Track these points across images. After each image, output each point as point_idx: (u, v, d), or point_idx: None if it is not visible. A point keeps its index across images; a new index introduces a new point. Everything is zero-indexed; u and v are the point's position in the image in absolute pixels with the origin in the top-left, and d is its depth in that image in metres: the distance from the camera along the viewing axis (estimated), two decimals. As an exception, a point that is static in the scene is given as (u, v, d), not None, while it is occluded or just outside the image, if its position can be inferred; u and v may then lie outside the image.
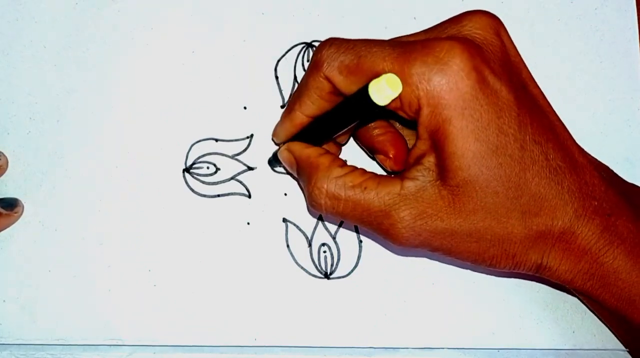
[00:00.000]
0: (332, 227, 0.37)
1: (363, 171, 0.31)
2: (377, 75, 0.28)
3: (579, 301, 0.36)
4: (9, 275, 0.37)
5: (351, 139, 0.37)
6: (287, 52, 0.39)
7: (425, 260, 0.37)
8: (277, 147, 0.36)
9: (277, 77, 0.39)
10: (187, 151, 0.38)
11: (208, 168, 0.38)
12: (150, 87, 0.38)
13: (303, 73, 0.39)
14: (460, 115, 0.28)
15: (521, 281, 0.37)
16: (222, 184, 0.38)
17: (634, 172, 0.38)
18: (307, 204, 0.34)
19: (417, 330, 0.36)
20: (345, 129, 0.32)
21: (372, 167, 0.37)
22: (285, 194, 0.38)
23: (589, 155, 0.32)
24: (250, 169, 0.38)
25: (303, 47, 0.39)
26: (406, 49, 0.28)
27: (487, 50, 0.29)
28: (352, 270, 0.37)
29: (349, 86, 0.30)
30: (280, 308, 0.36)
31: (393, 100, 0.27)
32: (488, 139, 0.28)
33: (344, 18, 0.39)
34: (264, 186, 0.38)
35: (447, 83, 0.27)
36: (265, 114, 0.38)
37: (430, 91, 0.27)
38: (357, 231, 0.37)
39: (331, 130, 0.32)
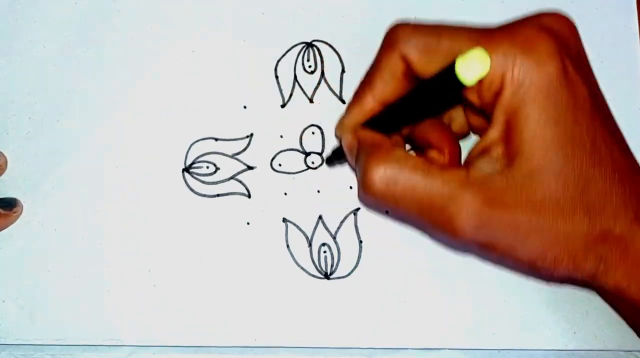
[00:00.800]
0: (333, 227, 0.37)
1: (425, 160, 0.30)
2: (459, 54, 0.27)
3: (580, 301, 0.36)
4: (8, 275, 0.37)
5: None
6: (287, 52, 0.39)
7: (425, 260, 0.37)
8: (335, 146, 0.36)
9: (277, 77, 0.39)
10: (186, 150, 0.38)
11: (208, 167, 0.38)
12: (150, 86, 0.39)
13: (303, 73, 0.39)
14: (544, 96, 0.27)
15: (521, 281, 0.36)
16: (222, 184, 0.38)
17: (635, 172, 0.38)
18: (358, 191, 0.32)
19: (418, 330, 0.36)
20: (424, 116, 0.30)
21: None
22: (285, 194, 0.38)
23: None
24: (250, 168, 0.38)
25: (303, 47, 0.39)
26: (490, 31, 0.28)
27: (568, 44, 0.28)
28: (352, 271, 0.37)
29: (426, 66, 0.29)
30: (280, 308, 0.36)
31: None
32: (566, 125, 0.27)
33: (344, 18, 0.39)
34: (263, 186, 0.38)
35: (535, 65, 0.27)
36: (265, 114, 0.38)
37: (516, 71, 0.27)
38: (356, 227, 0.37)
39: (405, 118, 0.31)
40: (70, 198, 0.37)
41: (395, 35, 0.30)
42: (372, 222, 0.37)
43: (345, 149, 0.33)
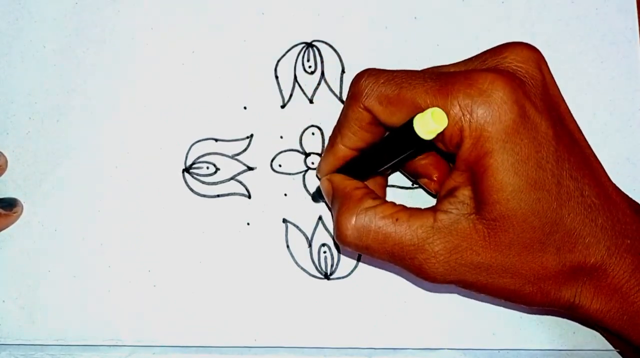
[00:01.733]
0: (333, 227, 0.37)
1: (394, 204, 0.31)
2: (418, 106, 0.28)
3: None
4: (8, 275, 0.37)
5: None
6: (287, 52, 0.39)
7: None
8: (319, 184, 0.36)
9: (277, 77, 0.39)
10: (186, 151, 0.38)
11: (208, 168, 0.38)
12: (150, 86, 0.38)
13: (303, 73, 0.39)
14: (502, 148, 0.27)
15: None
16: (222, 184, 0.38)
17: (634, 172, 0.38)
18: (334, 236, 0.33)
19: (417, 330, 0.36)
20: (390, 164, 0.31)
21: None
22: (285, 194, 0.38)
23: (622, 191, 0.32)
24: (250, 169, 0.38)
25: (303, 47, 0.39)
26: (448, 81, 0.28)
27: (529, 83, 0.28)
28: (352, 271, 0.37)
29: (389, 117, 0.30)
30: (280, 308, 0.36)
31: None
32: (527, 173, 0.28)
33: (344, 18, 0.39)
34: (263, 186, 0.38)
35: (491, 115, 0.27)
36: (265, 114, 0.38)
37: (473, 123, 0.27)
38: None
39: (376, 164, 0.32)
40: (70, 198, 0.37)
41: (358, 87, 0.31)
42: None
43: (323, 192, 0.34)
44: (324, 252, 0.37)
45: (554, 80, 0.30)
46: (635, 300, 0.29)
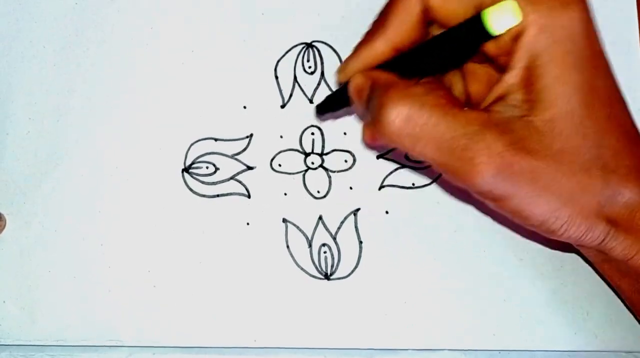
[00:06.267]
0: (333, 227, 0.37)
1: (447, 92, 0.28)
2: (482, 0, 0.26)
3: (580, 302, 0.36)
4: (9, 275, 0.37)
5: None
6: (287, 52, 0.39)
7: (425, 260, 0.37)
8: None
9: (277, 77, 0.39)
10: (186, 151, 0.38)
11: (207, 168, 0.38)
12: (150, 86, 0.39)
13: (303, 73, 0.39)
14: (568, 39, 0.26)
15: (521, 281, 0.36)
16: (222, 184, 0.38)
17: (636, 172, 0.38)
18: (367, 133, 0.30)
19: (418, 331, 0.36)
20: (435, 70, 0.29)
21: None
22: (285, 194, 0.38)
23: None
24: (249, 168, 0.38)
25: (303, 47, 0.39)
26: None
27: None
28: (352, 271, 0.37)
29: (445, 4, 0.28)
30: (280, 309, 0.36)
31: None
32: (587, 72, 0.27)
33: (344, 18, 0.39)
34: (263, 186, 0.38)
35: (561, 6, 0.26)
36: (265, 114, 0.38)
37: (542, 9, 0.26)
38: (356, 226, 0.37)
39: (419, 69, 0.29)
40: (70, 198, 0.37)
41: None
42: (372, 222, 0.37)
43: (352, 91, 0.31)
44: (324, 252, 0.37)
45: None
46: None
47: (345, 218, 0.37)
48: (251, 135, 0.38)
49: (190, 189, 0.38)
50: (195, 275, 0.37)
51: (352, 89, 0.31)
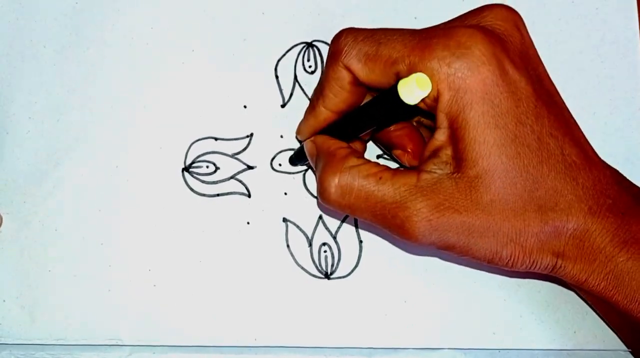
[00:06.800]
0: (333, 227, 0.37)
1: (377, 163, 0.31)
2: (396, 62, 0.28)
3: (580, 301, 0.36)
4: (9, 274, 0.37)
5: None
6: (287, 52, 0.39)
7: (425, 260, 0.37)
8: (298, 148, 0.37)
9: (277, 77, 0.39)
10: (186, 150, 0.38)
11: (207, 167, 0.38)
12: (150, 86, 0.39)
13: (303, 73, 0.39)
14: (482, 100, 0.27)
15: (522, 281, 0.36)
16: (222, 183, 0.38)
17: (634, 172, 0.38)
18: (317, 196, 0.33)
19: (418, 330, 0.36)
20: (372, 129, 0.31)
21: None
22: (285, 194, 0.38)
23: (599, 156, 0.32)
24: (250, 167, 0.38)
25: (303, 47, 0.39)
26: (427, 35, 0.28)
27: (507, 41, 0.28)
28: (352, 270, 0.37)
29: (369, 74, 0.30)
30: (280, 308, 0.36)
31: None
32: (507, 127, 0.28)
33: (344, 18, 0.39)
34: (263, 185, 0.38)
35: (469, 68, 0.27)
36: (265, 113, 0.38)
37: (451, 75, 0.27)
38: (356, 226, 0.37)
39: (358, 128, 0.32)
40: (70, 198, 0.37)
41: (337, 46, 0.30)
42: (372, 221, 0.37)
43: (307, 154, 0.34)
44: (325, 252, 0.37)
45: (532, 42, 0.30)
46: (619, 259, 0.29)
47: (346, 217, 0.37)
48: (251, 134, 0.38)
49: (191, 188, 0.38)
50: (195, 275, 0.37)
51: (305, 152, 0.34)
